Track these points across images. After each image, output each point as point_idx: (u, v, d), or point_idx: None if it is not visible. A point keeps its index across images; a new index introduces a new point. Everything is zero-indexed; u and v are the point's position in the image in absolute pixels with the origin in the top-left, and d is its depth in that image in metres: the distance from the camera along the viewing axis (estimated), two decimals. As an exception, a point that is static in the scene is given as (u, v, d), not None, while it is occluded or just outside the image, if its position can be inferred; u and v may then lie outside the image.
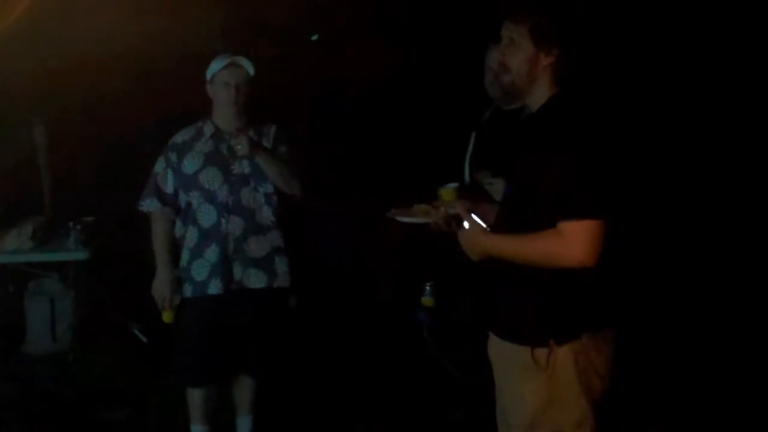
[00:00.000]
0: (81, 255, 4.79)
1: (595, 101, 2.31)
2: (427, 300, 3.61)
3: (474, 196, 2.64)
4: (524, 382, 2.31)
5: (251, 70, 3.44)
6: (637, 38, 4.99)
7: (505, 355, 2.39)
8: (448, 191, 2.77)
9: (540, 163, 2.20)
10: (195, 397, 3.57)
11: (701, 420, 3.77)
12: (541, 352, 2.26)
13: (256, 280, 3.44)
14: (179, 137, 3.52)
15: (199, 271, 3.41)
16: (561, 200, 2.15)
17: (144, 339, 4.94)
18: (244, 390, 3.65)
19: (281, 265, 3.49)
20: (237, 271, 3.41)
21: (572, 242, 2.14)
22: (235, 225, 3.40)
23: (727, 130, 5.04)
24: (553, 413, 2.30)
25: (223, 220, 3.39)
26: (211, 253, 3.40)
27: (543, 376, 2.27)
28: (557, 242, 2.17)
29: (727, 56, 5.02)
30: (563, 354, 2.25)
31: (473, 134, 3.53)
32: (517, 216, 2.31)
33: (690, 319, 4.57)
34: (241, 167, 3.42)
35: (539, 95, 2.32)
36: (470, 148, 3.52)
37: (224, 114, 3.47)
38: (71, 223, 4.80)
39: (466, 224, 2.39)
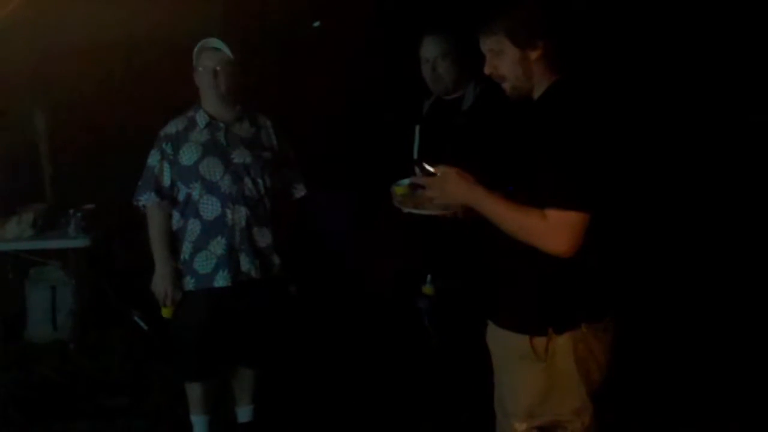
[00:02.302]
0: (82, 242, 4.78)
1: (594, 88, 2.29)
2: (428, 288, 3.59)
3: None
4: (523, 370, 2.31)
5: (229, 53, 3.35)
6: (636, 31, 4.96)
7: (503, 344, 2.38)
8: (401, 188, 2.76)
9: (537, 149, 2.19)
10: (194, 389, 3.56)
11: (699, 409, 3.77)
12: (540, 341, 2.26)
13: (261, 270, 3.42)
14: (171, 128, 3.43)
15: (203, 263, 3.37)
16: (550, 187, 2.15)
17: (144, 327, 4.95)
18: (244, 380, 3.65)
19: (278, 255, 3.48)
20: (244, 262, 3.39)
21: (553, 230, 2.14)
22: (240, 215, 3.36)
23: (726, 120, 5.02)
24: (551, 402, 2.30)
25: (228, 211, 3.34)
26: (217, 245, 3.35)
27: (541, 365, 2.26)
28: (540, 224, 2.16)
29: (726, 46, 4.99)
30: (562, 343, 2.25)
31: (417, 127, 3.52)
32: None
33: (690, 310, 4.56)
34: (242, 157, 3.40)
35: (540, 86, 2.32)
36: (416, 141, 3.50)
37: (211, 101, 3.40)
38: (72, 211, 4.79)
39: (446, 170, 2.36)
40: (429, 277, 3.56)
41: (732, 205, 4.95)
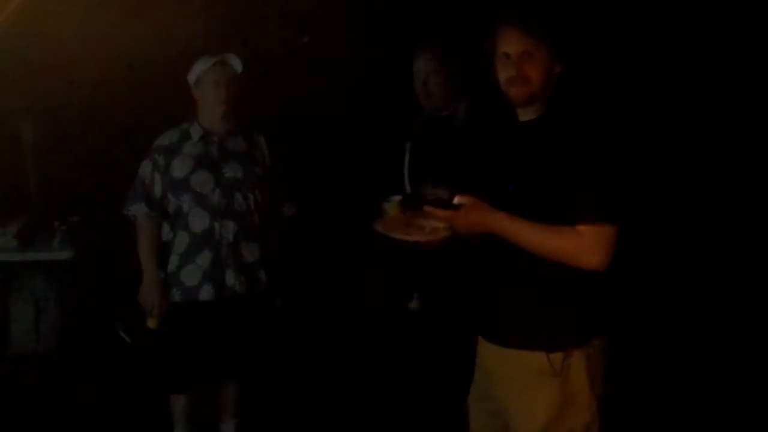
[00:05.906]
0: (67, 255, 4.74)
1: (605, 105, 2.34)
2: (414, 305, 3.60)
3: (419, 208, 2.62)
4: (537, 388, 2.31)
5: (239, 68, 3.39)
6: (635, 41, 4.94)
7: (515, 364, 2.37)
8: (392, 205, 2.77)
9: (558, 165, 2.22)
10: (179, 403, 3.55)
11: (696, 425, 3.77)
12: (557, 356, 2.28)
13: (246, 286, 3.41)
14: (165, 139, 3.46)
15: (190, 276, 3.38)
16: (583, 202, 2.18)
17: (129, 340, 4.91)
18: (228, 395, 3.65)
19: (265, 271, 3.47)
20: (229, 277, 3.38)
21: (590, 245, 2.17)
22: (228, 230, 3.37)
23: (721, 139, 5.00)
24: (566, 417, 2.31)
25: (217, 225, 3.36)
26: (204, 258, 3.36)
27: (557, 381, 2.28)
28: (575, 242, 2.19)
29: (726, 58, 4.96)
30: (577, 358, 2.28)
31: (408, 144, 3.53)
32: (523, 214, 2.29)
33: (687, 324, 4.56)
34: (233, 171, 3.39)
35: (544, 101, 2.34)
36: (407, 158, 3.52)
37: (213, 115, 3.42)
38: (57, 223, 4.77)
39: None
40: (415, 294, 3.57)
41: (730, 221, 4.90)
